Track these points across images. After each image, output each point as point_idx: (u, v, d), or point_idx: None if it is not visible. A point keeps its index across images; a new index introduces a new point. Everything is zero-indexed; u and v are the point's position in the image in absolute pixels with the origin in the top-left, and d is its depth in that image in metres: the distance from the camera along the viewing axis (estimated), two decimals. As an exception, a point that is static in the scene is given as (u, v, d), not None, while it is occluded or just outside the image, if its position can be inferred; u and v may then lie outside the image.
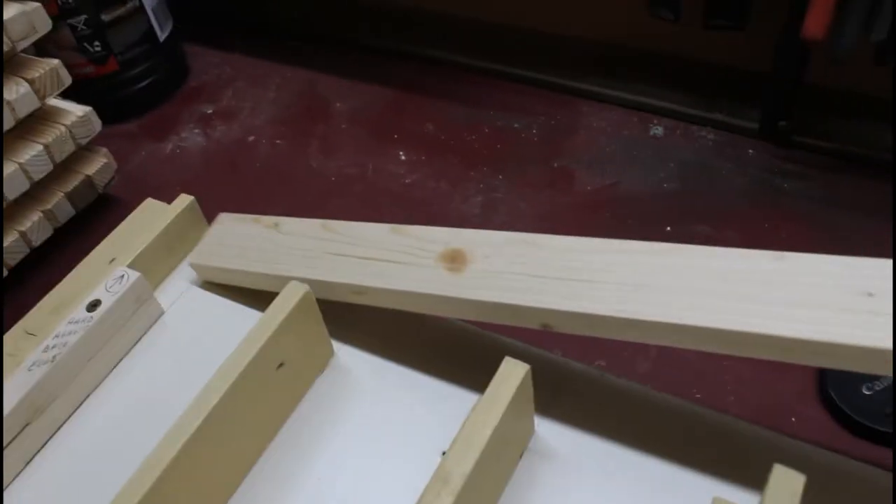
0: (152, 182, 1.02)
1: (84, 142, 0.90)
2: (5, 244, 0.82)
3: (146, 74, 1.13)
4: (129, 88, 1.12)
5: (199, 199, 0.71)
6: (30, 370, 0.56)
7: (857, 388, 0.65)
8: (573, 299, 0.48)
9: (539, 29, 1.09)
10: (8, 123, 0.80)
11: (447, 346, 0.61)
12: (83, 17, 1.02)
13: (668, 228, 0.86)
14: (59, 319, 0.62)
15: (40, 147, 0.83)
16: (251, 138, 1.08)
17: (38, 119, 0.87)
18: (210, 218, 0.72)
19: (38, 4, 0.83)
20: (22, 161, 0.81)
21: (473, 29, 1.15)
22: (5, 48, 0.79)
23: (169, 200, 0.71)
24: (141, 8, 1.08)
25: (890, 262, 0.44)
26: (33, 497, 0.55)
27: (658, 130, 0.99)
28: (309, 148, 1.05)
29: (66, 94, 0.90)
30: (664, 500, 0.50)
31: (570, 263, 0.50)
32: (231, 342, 0.52)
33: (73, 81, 0.89)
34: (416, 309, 0.56)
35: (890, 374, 0.41)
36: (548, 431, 0.54)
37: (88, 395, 0.60)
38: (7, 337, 0.63)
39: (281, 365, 0.54)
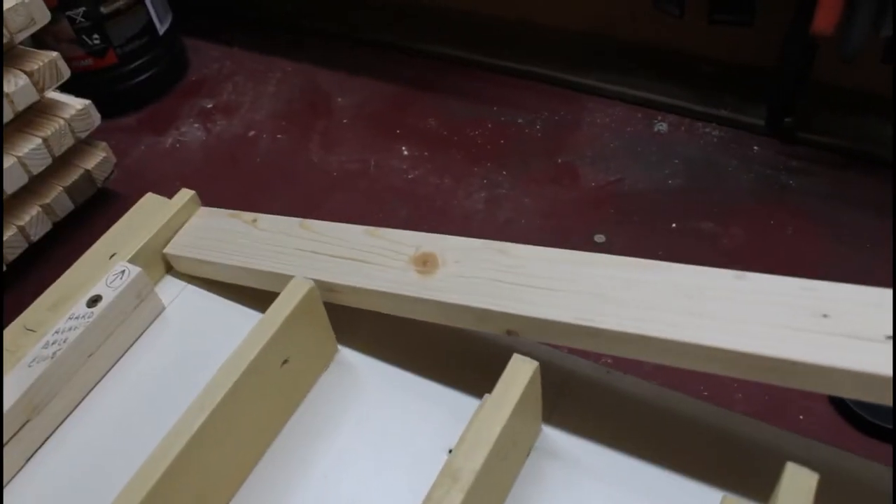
0: (152, 176, 1.02)
1: (83, 135, 0.89)
2: (4, 238, 0.82)
3: (146, 68, 1.12)
4: (129, 82, 1.12)
5: (199, 194, 0.71)
6: (30, 366, 0.55)
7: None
8: (537, 306, 0.48)
9: (543, 24, 1.08)
10: (6, 116, 0.79)
11: (451, 344, 0.60)
12: (82, 9, 1.01)
13: (674, 225, 0.85)
14: (58, 315, 0.62)
15: (39, 140, 0.82)
16: (251, 133, 1.07)
17: (36, 112, 0.86)
18: (211, 212, 0.71)
19: (37, -5, 0.82)
20: (20, 154, 0.80)
21: (476, 24, 1.14)
22: (4, 39, 0.78)
23: (169, 195, 0.71)
24: (140, 1, 1.07)
25: (846, 286, 0.44)
26: (34, 494, 0.54)
27: (662, 126, 0.98)
28: (310, 143, 1.04)
29: (65, 88, 0.89)
30: (672, 500, 0.49)
31: (538, 272, 0.51)
32: (234, 338, 0.51)
33: (72, 74, 0.88)
34: (385, 309, 0.56)
35: (844, 393, 0.41)
36: (555, 430, 0.53)
37: (89, 392, 0.59)
38: (6, 333, 0.62)
39: (285, 361, 0.53)
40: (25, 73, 0.81)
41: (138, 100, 1.14)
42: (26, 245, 0.85)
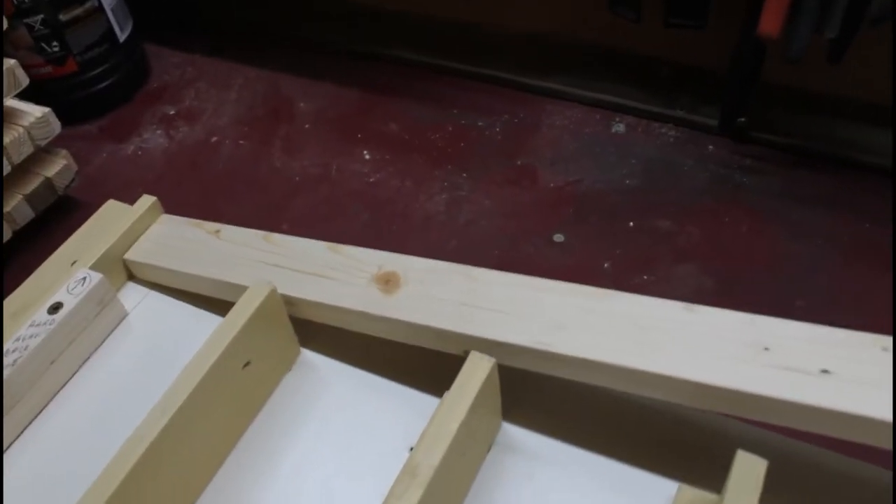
0: (114, 183, 1.01)
1: (43, 143, 0.89)
2: (-37, 248, 0.81)
3: (106, 75, 1.12)
4: (89, 89, 1.11)
5: (162, 201, 0.71)
6: (-9, 374, 0.55)
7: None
8: (495, 329, 0.50)
9: (502, 28, 1.09)
10: (-36, 125, 0.78)
11: (412, 345, 0.61)
12: (40, 16, 1.00)
13: (631, 224, 0.87)
14: (19, 323, 0.61)
15: (-2, 149, 0.82)
16: (214, 139, 1.07)
17: (-6, 121, 0.86)
18: (173, 219, 0.71)
19: (-7, 3, 0.82)
20: (-21, 163, 0.80)
21: (437, 28, 1.15)
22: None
23: (131, 202, 0.71)
24: (100, 8, 1.07)
25: (787, 322, 0.47)
26: (-4, 502, 0.54)
27: (620, 128, 1.00)
28: (272, 148, 1.04)
29: (24, 95, 0.88)
30: (631, 490, 0.50)
31: (498, 296, 0.52)
32: (197, 343, 0.52)
33: (32, 82, 0.88)
34: (346, 325, 0.57)
35: (783, 422, 0.44)
36: (514, 425, 0.54)
37: (52, 399, 0.59)
38: (-33, 341, 0.62)
39: (247, 364, 0.53)
40: (-17, 81, 0.81)
41: (100, 107, 1.13)
42: (-14, 254, 0.84)
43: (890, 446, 0.41)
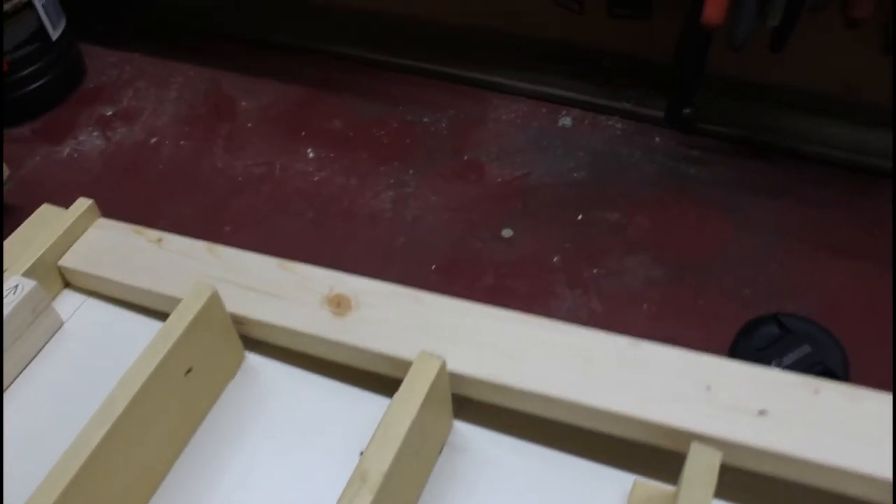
0: (49, 187, 0.98)
1: (-28, 147, 0.85)
2: None
3: (38, 75, 1.08)
4: (21, 90, 1.07)
5: (100, 204, 0.68)
6: (-82, 389, 0.53)
7: (767, 364, 0.67)
8: (447, 358, 0.49)
9: (446, 21, 1.08)
10: None
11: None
12: (-34, 15, 0.97)
13: (580, 217, 0.86)
14: (-51, 334, 0.59)
15: (-76, 153, 0.79)
16: (154, 139, 1.04)
17: (-80, 124, 0.82)
18: (111, 222, 0.69)
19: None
20: None
21: (380, 23, 1.14)
22: None
23: (67, 205, 0.68)
24: (30, 4, 1.03)
25: (729, 361, 0.48)
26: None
27: (567, 121, 1.00)
28: (214, 147, 1.02)
29: (-49, 98, 0.85)
30: (587, 487, 0.50)
31: (449, 322, 0.53)
32: (137, 350, 0.50)
33: (-42, 83, 0.85)
34: (295, 346, 0.56)
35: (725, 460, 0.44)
36: (466, 424, 0.53)
37: (-15, 413, 0.57)
38: None
39: (189, 370, 0.52)
40: None
41: (32, 108, 1.10)
42: (-86, 263, 0.81)
43: (830, 487, 0.43)
